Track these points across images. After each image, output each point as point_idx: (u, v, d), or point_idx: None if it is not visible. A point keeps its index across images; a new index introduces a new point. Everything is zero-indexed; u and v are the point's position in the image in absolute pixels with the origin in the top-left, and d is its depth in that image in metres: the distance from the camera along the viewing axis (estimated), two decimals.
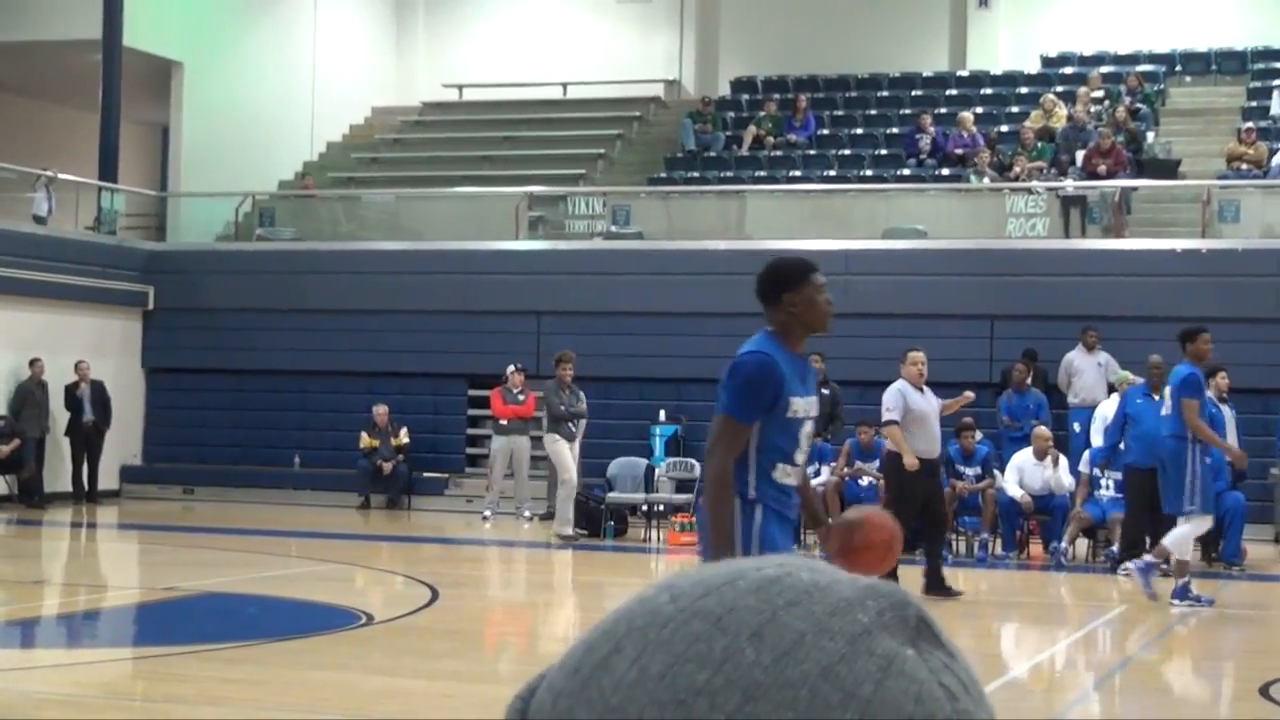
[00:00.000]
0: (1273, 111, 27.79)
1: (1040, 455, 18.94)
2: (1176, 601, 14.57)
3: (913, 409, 15.19)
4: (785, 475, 6.53)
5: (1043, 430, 19.25)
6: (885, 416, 15.36)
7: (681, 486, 22.51)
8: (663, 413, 23.90)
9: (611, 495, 21.69)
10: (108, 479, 25.85)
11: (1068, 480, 18.91)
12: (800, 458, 6.64)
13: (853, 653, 0.93)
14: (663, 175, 29.07)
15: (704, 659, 0.94)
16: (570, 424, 20.57)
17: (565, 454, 20.34)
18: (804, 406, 6.57)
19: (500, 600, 16.99)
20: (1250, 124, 26.67)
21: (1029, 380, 21.39)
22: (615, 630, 0.99)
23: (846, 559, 6.02)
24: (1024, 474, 18.99)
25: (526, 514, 22.79)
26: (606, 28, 34.94)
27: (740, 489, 6.46)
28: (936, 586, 14.87)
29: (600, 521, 21.13)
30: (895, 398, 15.24)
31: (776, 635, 0.94)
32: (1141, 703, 11.03)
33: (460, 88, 34.33)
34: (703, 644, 0.95)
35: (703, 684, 0.93)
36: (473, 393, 25.25)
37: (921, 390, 15.48)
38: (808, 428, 6.66)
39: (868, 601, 0.97)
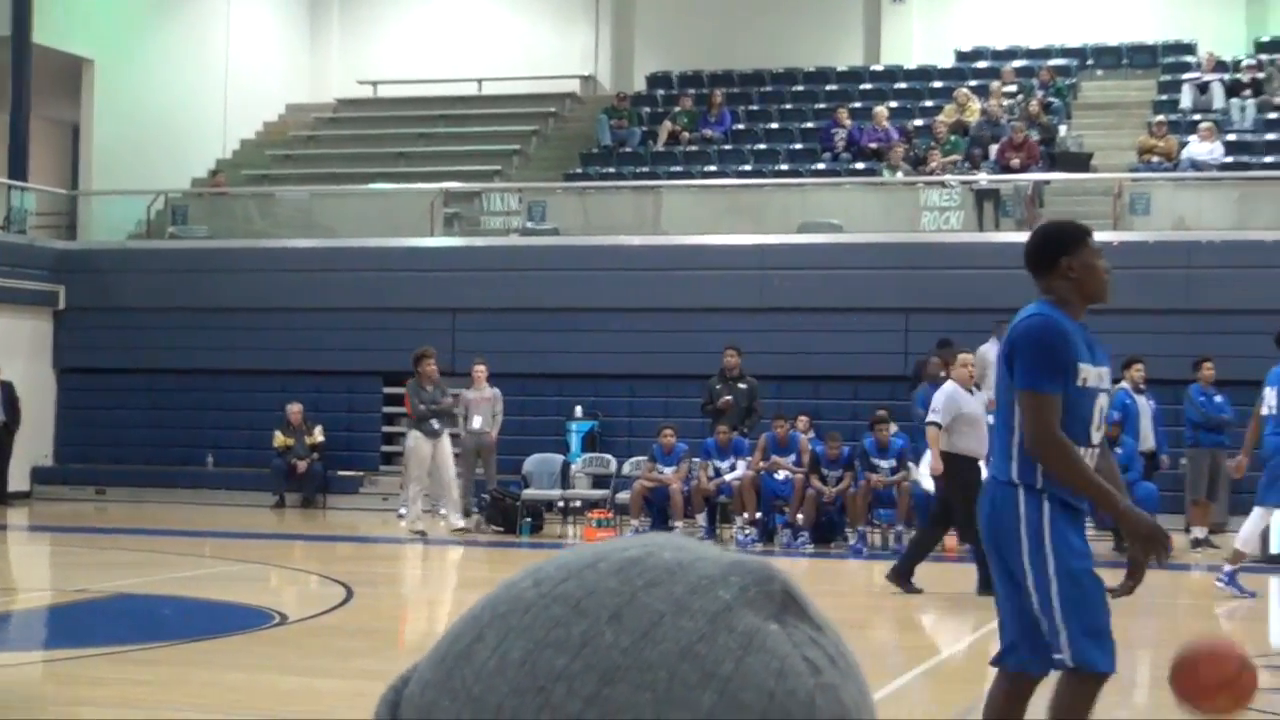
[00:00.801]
0: (1183, 104, 28.03)
1: None
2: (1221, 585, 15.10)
3: (965, 411, 15.43)
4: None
5: None
6: (930, 417, 15.47)
7: (598, 482, 22.51)
8: (579, 408, 23.89)
9: (527, 492, 21.65)
10: (18, 480, 25.57)
11: (985, 471, 19.01)
12: (1097, 436, 6.09)
13: (713, 631, 0.93)
14: (578, 171, 29.02)
15: (563, 644, 0.93)
16: (433, 421, 20.62)
17: (424, 452, 20.47)
18: (1095, 375, 6.05)
19: (415, 598, 16.92)
20: (1161, 117, 26.88)
21: (945, 372, 21.44)
22: (479, 618, 0.98)
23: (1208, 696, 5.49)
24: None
25: (443, 511, 22.70)
26: (522, 24, 34.88)
27: (1026, 477, 5.94)
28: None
29: (516, 518, 21.08)
30: (946, 400, 15.39)
31: (635, 617, 0.93)
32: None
33: (375, 84, 34.17)
34: (562, 629, 0.94)
35: (561, 669, 0.92)
36: (388, 390, 25.15)
37: (971, 391, 15.66)
38: (1101, 400, 6.11)
39: (730, 578, 0.96)
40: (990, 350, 21.71)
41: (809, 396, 22.60)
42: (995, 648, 12.85)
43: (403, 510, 22.71)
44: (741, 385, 21.46)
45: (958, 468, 15.26)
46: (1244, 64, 28.85)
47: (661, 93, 31.72)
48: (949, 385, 15.56)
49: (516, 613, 0.96)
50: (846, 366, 23.37)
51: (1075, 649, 5.97)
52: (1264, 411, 15.27)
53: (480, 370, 22.23)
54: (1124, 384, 19.03)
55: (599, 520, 20.64)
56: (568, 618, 0.94)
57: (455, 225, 26.93)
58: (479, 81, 33.42)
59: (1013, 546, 5.95)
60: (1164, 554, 5.85)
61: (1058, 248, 6.17)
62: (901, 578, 15.32)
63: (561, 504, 21.89)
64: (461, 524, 20.68)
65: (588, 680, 0.92)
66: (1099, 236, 22.41)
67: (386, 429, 25.56)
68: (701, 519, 20.53)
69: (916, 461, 19.39)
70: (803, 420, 21.15)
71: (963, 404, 15.43)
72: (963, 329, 22.09)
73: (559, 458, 22.49)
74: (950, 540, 19.34)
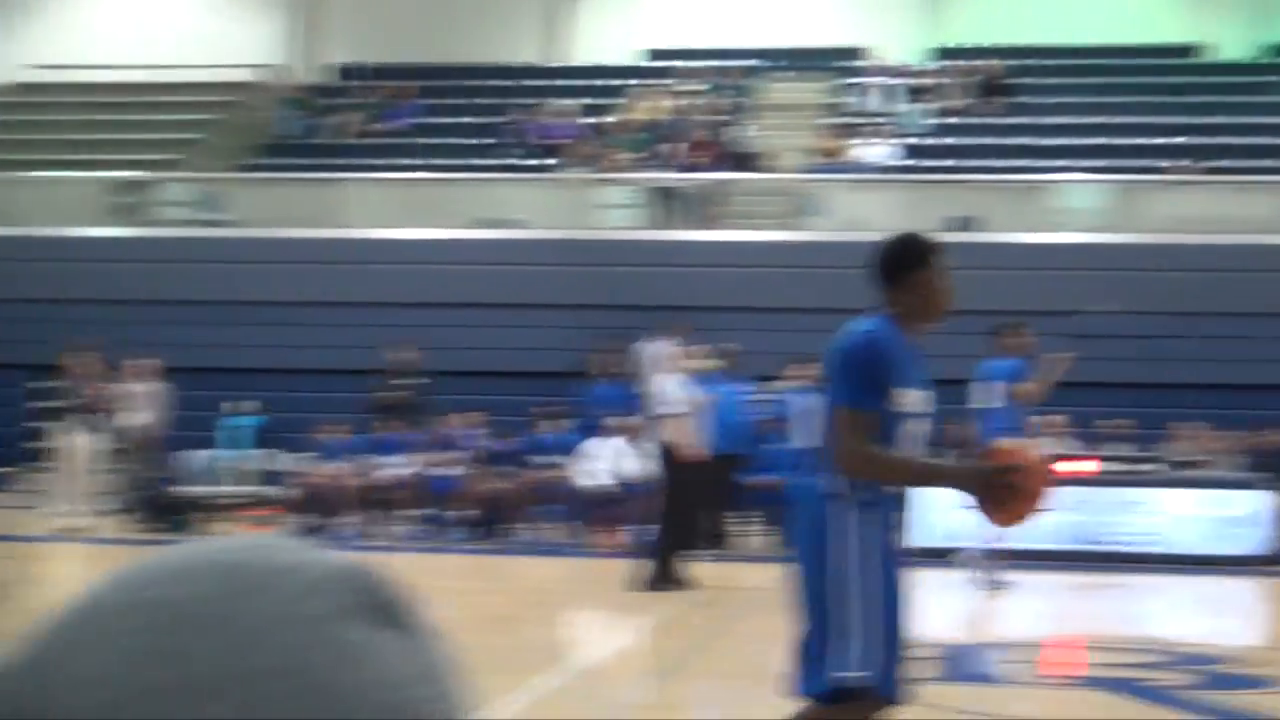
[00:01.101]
0: (858, 108, 28.54)
1: (634, 444, 19.08)
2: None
3: (697, 401, 15.47)
4: None
5: (632, 420, 19.36)
6: (669, 409, 15.31)
7: (268, 478, 22.14)
8: (242, 404, 23.37)
9: (186, 488, 21.20)
10: None
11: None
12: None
13: (314, 641, 0.88)
14: (261, 161, 28.53)
15: (157, 656, 0.86)
16: (81, 416, 20.24)
17: (72, 447, 20.21)
18: (914, 400, 5.85)
19: (64, 599, 16.32)
20: (834, 119, 27.31)
21: (616, 368, 21.46)
22: (66, 625, 0.90)
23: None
24: (615, 462, 19.14)
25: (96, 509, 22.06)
26: (205, 10, 34.16)
27: (842, 486, 5.74)
28: (666, 579, 14.99)
29: (170, 514, 20.54)
30: (676, 390, 15.29)
31: (235, 627, 0.88)
32: (719, 686, 11.04)
33: (50, 69, 33.09)
34: (159, 638, 0.87)
35: (154, 683, 0.85)
36: (38, 384, 24.19)
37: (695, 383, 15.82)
38: (918, 426, 5.91)
39: (336, 585, 0.92)
40: (652, 348, 21.77)
41: (485, 392, 22.46)
42: (661, 642, 12.79)
43: (64, 509, 22.02)
44: (412, 380, 21.26)
45: (681, 461, 15.30)
46: (920, 69, 29.47)
47: (348, 83, 31.43)
48: (675, 377, 15.58)
49: (106, 620, 0.88)
50: (522, 363, 23.31)
51: (863, 666, 5.65)
52: (977, 405, 15.43)
53: (139, 364, 21.62)
54: (790, 383, 19.23)
55: (258, 518, 20.24)
56: (163, 627, 0.87)
57: (129, 215, 26.25)
58: (159, 68, 32.55)
59: (822, 559, 5.72)
60: (1010, 473, 5.68)
61: (909, 262, 5.96)
62: (659, 580, 15.15)
63: (222, 501, 21.44)
64: (84, 522, 20.12)
65: (183, 696, 0.85)
66: (774, 235, 22.79)
67: (34, 424, 24.62)
68: (365, 515, 20.25)
69: (578, 457, 19.44)
70: (476, 416, 21.01)
71: (693, 394, 15.57)
72: (641, 325, 22.15)
73: (222, 453, 22.04)
74: (618, 536, 19.43)
